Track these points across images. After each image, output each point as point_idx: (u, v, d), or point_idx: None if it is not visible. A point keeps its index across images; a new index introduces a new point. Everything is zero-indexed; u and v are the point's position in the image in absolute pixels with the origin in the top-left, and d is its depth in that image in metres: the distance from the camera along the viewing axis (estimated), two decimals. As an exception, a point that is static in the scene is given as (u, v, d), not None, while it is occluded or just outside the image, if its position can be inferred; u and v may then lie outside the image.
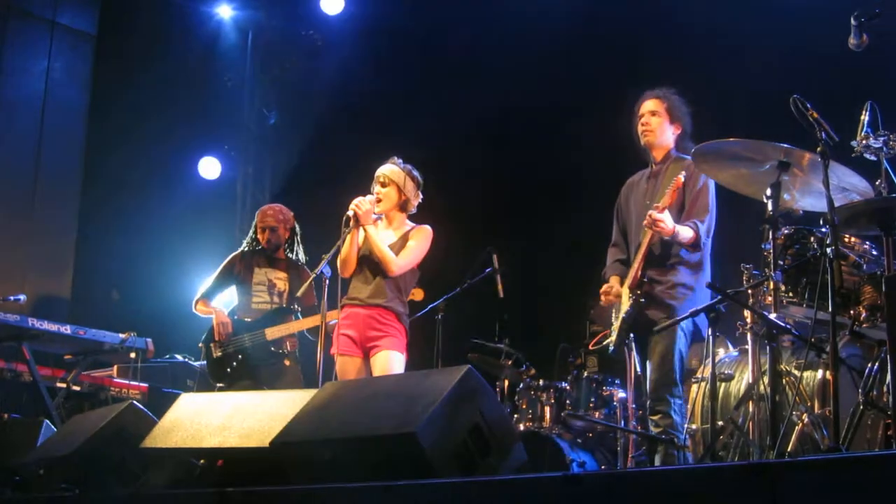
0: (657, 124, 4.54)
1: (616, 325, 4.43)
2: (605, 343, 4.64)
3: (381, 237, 4.89)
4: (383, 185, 4.94)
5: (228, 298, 5.93)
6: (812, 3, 5.77)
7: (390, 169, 4.96)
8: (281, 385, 5.47)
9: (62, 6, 8.54)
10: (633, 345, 4.47)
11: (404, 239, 4.94)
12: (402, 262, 4.85)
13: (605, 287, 4.58)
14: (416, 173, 5.00)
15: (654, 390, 4.28)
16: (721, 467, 2.38)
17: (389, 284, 4.86)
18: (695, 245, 4.31)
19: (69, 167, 8.53)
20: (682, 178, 4.27)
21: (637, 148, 4.65)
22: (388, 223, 5.03)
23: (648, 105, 4.58)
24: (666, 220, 4.18)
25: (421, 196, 5.03)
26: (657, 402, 4.25)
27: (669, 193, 4.23)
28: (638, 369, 4.52)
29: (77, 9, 8.68)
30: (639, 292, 4.30)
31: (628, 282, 4.38)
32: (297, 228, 5.98)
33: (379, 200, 4.92)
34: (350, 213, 4.78)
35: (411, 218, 5.08)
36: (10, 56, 8.18)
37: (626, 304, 4.36)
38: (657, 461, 4.24)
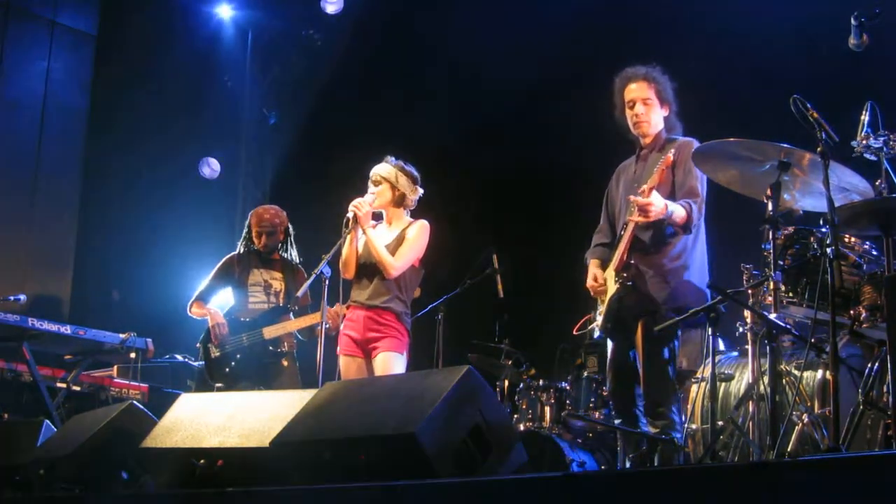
0: (650, 112, 4.38)
1: (602, 308, 4.36)
2: (589, 328, 4.60)
3: (380, 238, 4.90)
4: (376, 183, 4.97)
5: (223, 300, 5.92)
6: (812, 3, 5.77)
7: (381, 167, 4.99)
8: (278, 385, 5.47)
9: (62, 6, 8.54)
10: (614, 332, 4.36)
11: (401, 236, 4.95)
12: (399, 264, 4.85)
13: (591, 279, 4.45)
14: (409, 168, 5.01)
15: (651, 392, 4.22)
16: (721, 467, 2.38)
17: (389, 284, 4.86)
18: (686, 226, 4.19)
19: (69, 167, 8.53)
20: (671, 155, 4.13)
21: (622, 130, 4.49)
22: (387, 221, 5.04)
23: (637, 90, 4.40)
24: (655, 200, 4.04)
25: (420, 190, 5.02)
26: (656, 405, 4.20)
27: (658, 172, 4.10)
28: (612, 355, 4.40)
29: (77, 9, 8.68)
30: (625, 275, 4.19)
31: (613, 265, 4.27)
32: (291, 229, 5.98)
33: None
34: (350, 214, 4.80)
35: (413, 213, 5.08)
36: (10, 56, 8.17)
37: (612, 287, 4.28)
38: (656, 461, 4.23)
